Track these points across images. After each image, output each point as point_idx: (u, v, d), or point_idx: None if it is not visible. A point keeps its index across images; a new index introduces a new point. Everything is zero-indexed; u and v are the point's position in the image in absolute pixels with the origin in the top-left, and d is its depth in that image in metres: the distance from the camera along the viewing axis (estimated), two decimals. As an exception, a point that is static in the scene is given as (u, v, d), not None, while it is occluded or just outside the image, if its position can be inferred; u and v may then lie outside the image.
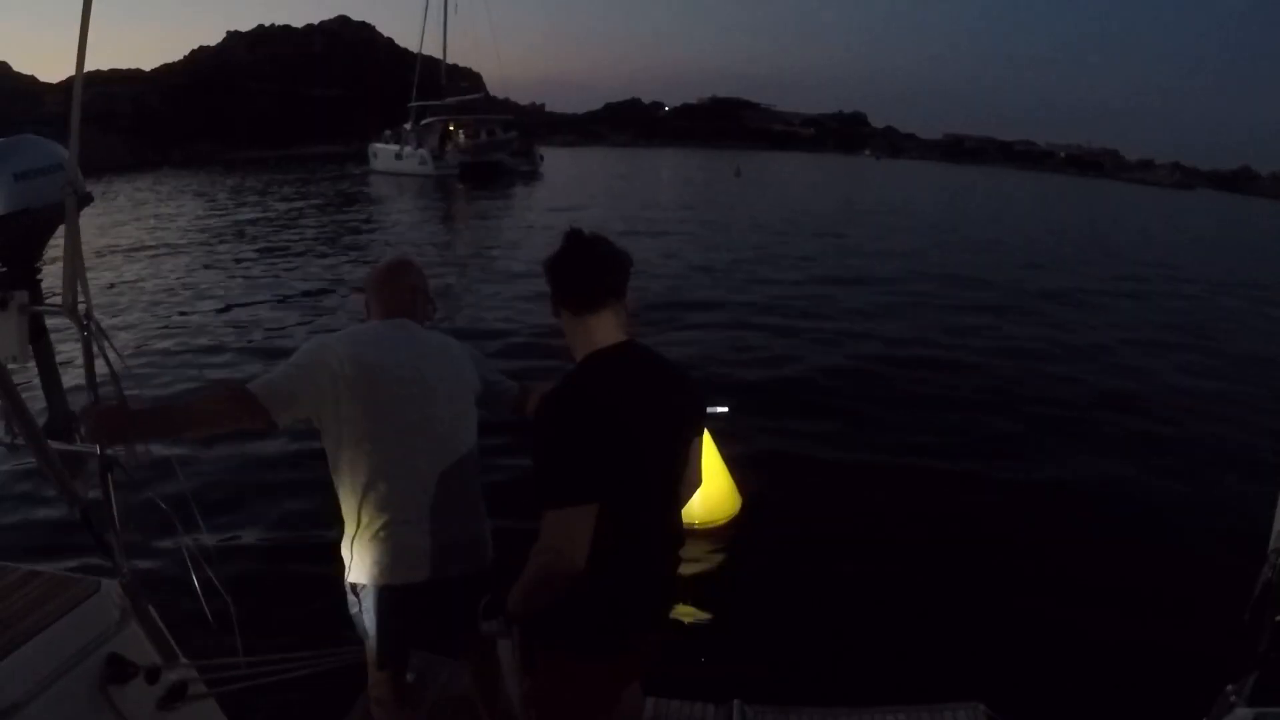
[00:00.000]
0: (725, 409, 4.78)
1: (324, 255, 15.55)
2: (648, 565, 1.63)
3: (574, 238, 1.57)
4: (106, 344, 1.68)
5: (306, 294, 11.79)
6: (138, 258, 14.83)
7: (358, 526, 1.83)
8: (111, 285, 12.04)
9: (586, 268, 1.57)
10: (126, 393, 1.73)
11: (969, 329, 10.41)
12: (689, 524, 4.71)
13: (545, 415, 1.50)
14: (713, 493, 4.87)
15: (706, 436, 4.72)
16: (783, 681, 3.27)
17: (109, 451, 1.63)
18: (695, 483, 1.77)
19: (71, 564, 2.03)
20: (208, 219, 21.54)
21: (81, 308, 1.61)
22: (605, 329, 1.57)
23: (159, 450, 1.81)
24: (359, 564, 1.85)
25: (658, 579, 1.68)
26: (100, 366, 1.69)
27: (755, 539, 4.77)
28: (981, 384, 8.19)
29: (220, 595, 1.88)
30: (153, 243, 16.79)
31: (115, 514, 1.68)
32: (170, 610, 1.82)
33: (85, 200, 1.67)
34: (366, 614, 1.89)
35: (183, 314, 10.41)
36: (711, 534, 4.80)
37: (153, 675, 1.62)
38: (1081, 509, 5.43)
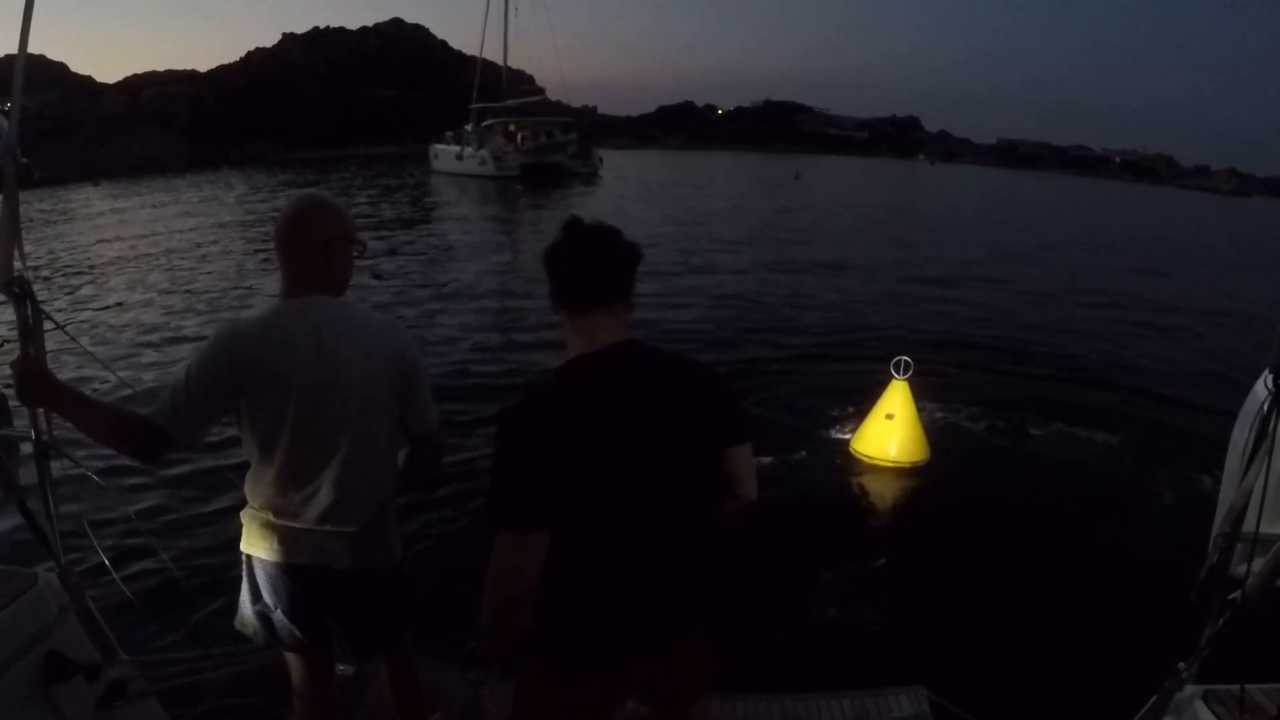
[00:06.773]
0: (909, 360, 5.46)
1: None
2: (634, 581, 1.47)
3: (573, 228, 1.42)
4: (44, 318, 1.60)
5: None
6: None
7: None
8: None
9: (583, 263, 1.40)
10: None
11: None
12: (885, 461, 5.56)
13: (501, 431, 1.35)
14: (907, 439, 5.59)
15: (904, 388, 5.57)
16: (724, 669, 2.95)
17: (45, 437, 1.60)
18: (746, 496, 1.57)
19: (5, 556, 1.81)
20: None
21: (17, 281, 1.52)
22: (601, 331, 1.41)
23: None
24: None
25: (649, 595, 1.50)
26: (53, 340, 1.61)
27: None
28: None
29: (160, 588, 1.83)
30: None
31: (53, 502, 1.62)
32: (110, 604, 1.76)
33: (25, 171, 1.57)
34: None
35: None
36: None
37: (93, 673, 1.58)
38: (1030, 491, 5.43)
